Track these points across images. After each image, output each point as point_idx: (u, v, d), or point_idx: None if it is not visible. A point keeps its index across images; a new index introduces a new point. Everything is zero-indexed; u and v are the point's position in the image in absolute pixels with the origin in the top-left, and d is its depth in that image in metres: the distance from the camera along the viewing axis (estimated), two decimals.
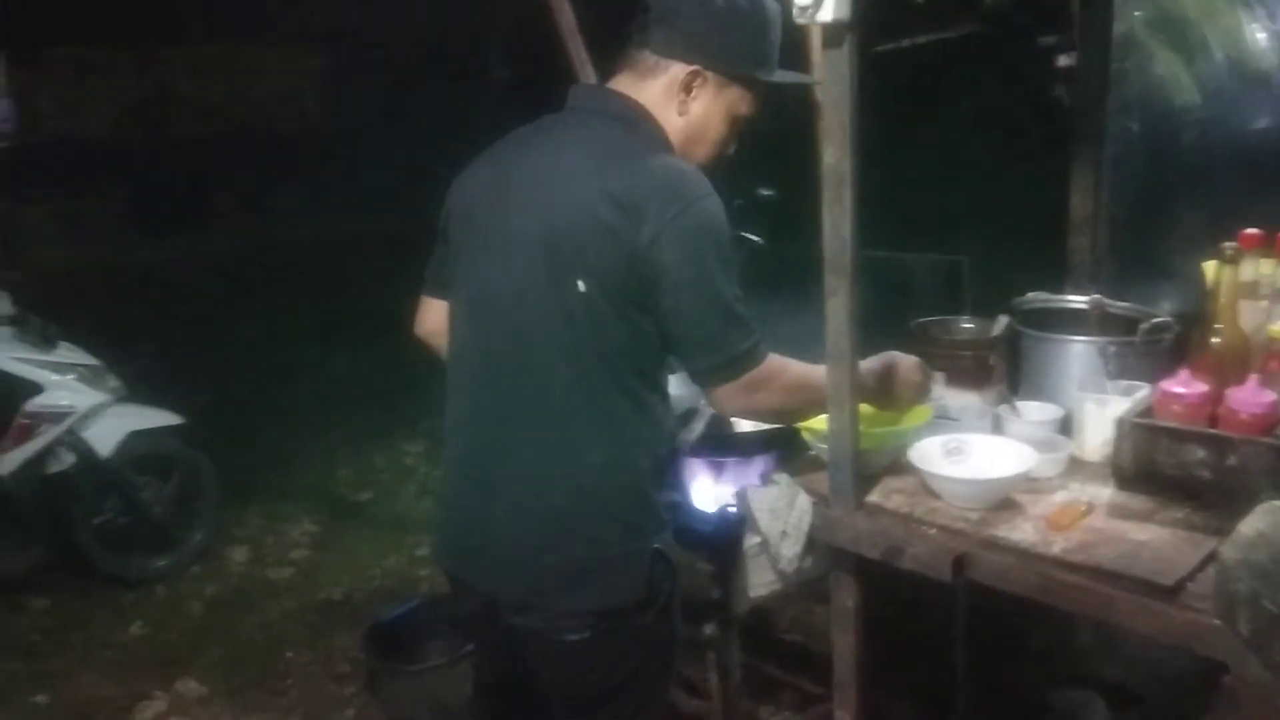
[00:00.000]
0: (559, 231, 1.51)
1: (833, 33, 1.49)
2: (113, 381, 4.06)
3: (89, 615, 3.84)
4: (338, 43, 6.88)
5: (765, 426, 2.10)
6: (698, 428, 2.01)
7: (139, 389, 4.18)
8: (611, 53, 1.65)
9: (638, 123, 1.60)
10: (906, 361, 1.87)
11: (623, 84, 1.63)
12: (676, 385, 1.76)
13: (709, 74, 1.61)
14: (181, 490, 4.20)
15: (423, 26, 6.25)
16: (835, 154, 1.55)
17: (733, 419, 2.12)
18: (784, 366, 1.60)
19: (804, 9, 1.48)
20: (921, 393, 1.90)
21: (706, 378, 1.55)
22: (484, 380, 1.63)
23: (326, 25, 6.51)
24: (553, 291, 1.51)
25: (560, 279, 1.50)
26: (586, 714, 1.66)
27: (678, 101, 1.61)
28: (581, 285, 1.49)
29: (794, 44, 1.67)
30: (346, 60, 7.11)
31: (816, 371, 1.66)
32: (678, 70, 1.60)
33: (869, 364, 1.78)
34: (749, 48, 1.62)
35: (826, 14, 1.46)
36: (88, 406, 3.89)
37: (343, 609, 3.83)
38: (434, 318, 1.78)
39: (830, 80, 1.53)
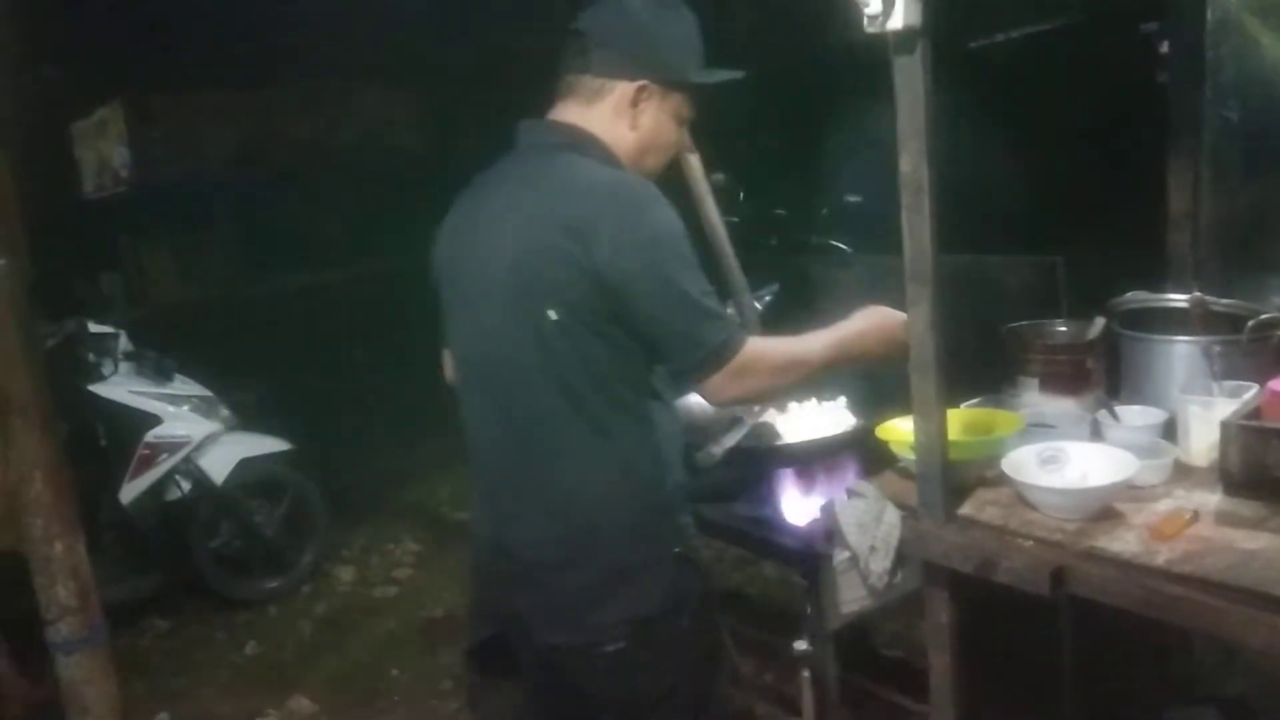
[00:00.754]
0: (524, 269, 1.56)
1: (904, 39, 1.47)
2: (224, 411, 4.25)
3: (207, 635, 4.02)
4: (434, 76, 7.06)
5: (815, 437, 2.08)
6: (731, 439, 1.98)
7: (249, 417, 4.36)
8: (548, 84, 1.71)
9: (584, 147, 1.64)
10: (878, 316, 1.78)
11: (567, 112, 1.69)
12: None
13: (654, 86, 1.66)
14: (291, 513, 4.36)
15: (513, 59, 6.36)
16: (911, 161, 1.53)
17: (754, 417, 2.10)
18: (765, 349, 1.63)
19: (874, 18, 1.46)
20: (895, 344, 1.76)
21: (691, 375, 1.58)
22: (487, 419, 1.70)
23: (422, 59, 6.70)
24: (529, 326, 1.56)
25: (533, 313, 1.56)
26: None
27: (629, 118, 1.67)
28: (553, 314, 1.54)
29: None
30: (443, 93, 7.28)
31: (801, 346, 1.68)
32: (625, 88, 1.66)
33: (851, 326, 1.75)
34: (685, 54, 1.70)
35: (897, 21, 1.45)
36: (202, 436, 4.09)
37: (445, 626, 3.91)
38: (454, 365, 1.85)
39: (903, 88, 1.51)
